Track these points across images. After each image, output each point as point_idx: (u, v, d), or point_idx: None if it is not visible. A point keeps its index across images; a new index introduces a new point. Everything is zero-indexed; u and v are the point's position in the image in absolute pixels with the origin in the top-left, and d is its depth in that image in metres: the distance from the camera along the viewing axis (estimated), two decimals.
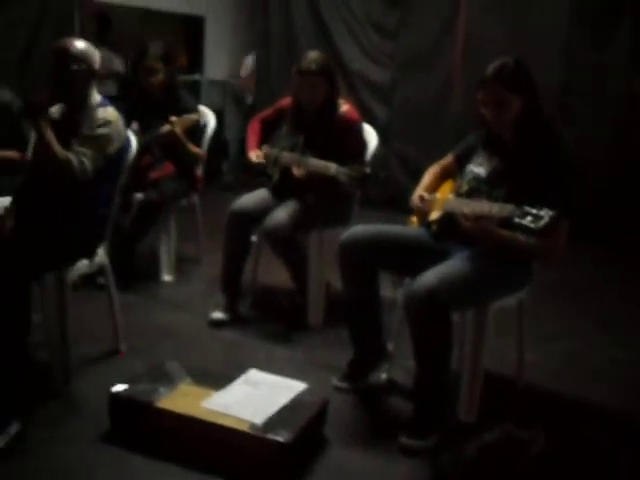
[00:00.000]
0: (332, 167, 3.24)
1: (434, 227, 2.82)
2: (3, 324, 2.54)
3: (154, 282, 4.19)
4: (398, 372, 3.06)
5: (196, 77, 7.22)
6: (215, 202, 5.06)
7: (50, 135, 2.77)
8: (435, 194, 2.87)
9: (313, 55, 3.50)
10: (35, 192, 2.94)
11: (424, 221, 2.87)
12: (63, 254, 2.83)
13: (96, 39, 5.53)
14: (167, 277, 4.23)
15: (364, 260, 2.78)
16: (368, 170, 3.25)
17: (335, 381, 2.97)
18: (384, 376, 3.05)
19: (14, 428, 2.48)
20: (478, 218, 2.47)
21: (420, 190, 2.90)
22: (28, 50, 5.72)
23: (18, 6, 5.60)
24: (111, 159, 2.94)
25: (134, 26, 6.61)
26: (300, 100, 3.56)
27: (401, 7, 6.49)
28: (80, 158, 2.79)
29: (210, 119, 4.41)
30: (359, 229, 2.82)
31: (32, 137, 3.86)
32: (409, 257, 2.80)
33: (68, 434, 2.55)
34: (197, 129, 4.14)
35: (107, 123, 2.90)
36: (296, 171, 3.40)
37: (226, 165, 7.49)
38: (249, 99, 7.41)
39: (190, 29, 7.35)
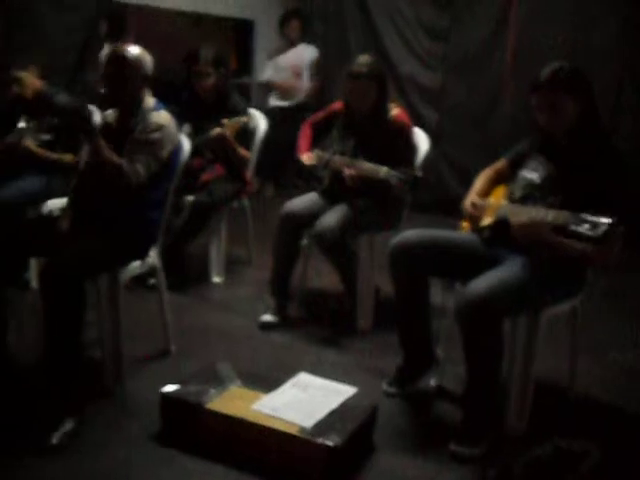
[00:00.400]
0: (382, 170, 3.24)
1: (486, 233, 2.79)
2: (58, 322, 2.60)
3: (204, 284, 4.23)
4: (447, 378, 3.03)
5: (245, 80, 7.25)
6: (263, 205, 5.09)
7: (103, 145, 2.80)
8: (487, 199, 2.84)
9: (364, 59, 3.50)
10: (89, 195, 2.99)
11: (476, 226, 2.84)
12: (116, 255, 2.88)
13: (109, 40, 5.51)
14: (217, 279, 4.27)
15: (415, 265, 2.77)
16: (419, 173, 3.24)
17: (384, 386, 2.97)
18: (433, 382, 3.03)
19: (68, 425, 2.53)
20: (533, 225, 2.44)
21: (472, 195, 2.87)
22: (82, 55, 5.82)
23: (74, 11, 5.69)
24: (164, 163, 2.97)
25: (185, 30, 6.67)
26: (351, 104, 3.57)
27: (451, 9, 6.43)
28: (133, 165, 2.83)
29: (260, 122, 4.43)
30: (410, 233, 2.80)
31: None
32: (460, 263, 2.78)
33: (120, 433, 2.59)
34: (246, 132, 4.17)
35: (160, 127, 2.94)
36: (347, 171, 3.39)
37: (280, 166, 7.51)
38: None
39: (240, 33, 7.39)
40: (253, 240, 4.63)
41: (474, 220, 2.82)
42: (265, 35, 7.43)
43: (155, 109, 3.01)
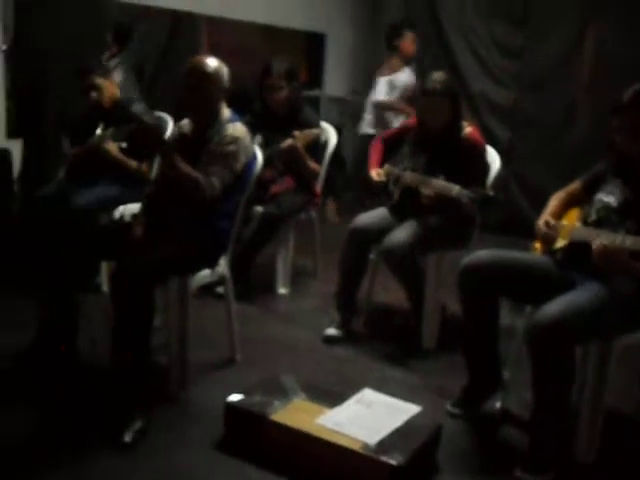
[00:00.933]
0: (455, 188, 3.21)
1: (559, 255, 2.73)
2: (128, 326, 2.66)
3: (270, 294, 4.26)
4: (513, 402, 2.97)
5: (315, 93, 7.30)
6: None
7: (178, 160, 2.84)
8: (561, 221, 2.79)
9: (437, 76, 3.49)
10: (163, 203, 3.04)
11: (549, 248, 2.78)
12: (187, 262, 2.93)
13: (114, 46, 5.41)
14: (283, 290, 4.30)
15: (486, 285, 2.72)
16: (490, 192, 3.20)
17: (448, 406, 2.93)
18: (498, 405, 2.96)
19: (138, 424, 2.58)
20: (611, 250, 2.38)
21: (546, 216, 2.82)
22: (158, 66, 5.95)
23: (150, 22, 5.83)
24: (238, 174, 3.00)
25: (256, 42, 6.75)
26: (424, 121, 3.56)
27: (526, 27, 6.36)
28: (209, 178, 2.86)
29: (331, 136, 4.44)
30: (482, 254, 2.76)
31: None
32: (532, 285, 2.73)
33: (184, 439, 2.62)
34: (317, 145, 4.19)
35: (235, 140, 2.97)
36: (426, 191, 3.37)
37: (342, 182, 7.53)
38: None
39: (311, 45, 7.44)
40: (319, 252, 4.63)
41: (548, 241, 2.76)
42: (336, 48, 7.48)
43: (231, 121, 3.04)
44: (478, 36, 6.68)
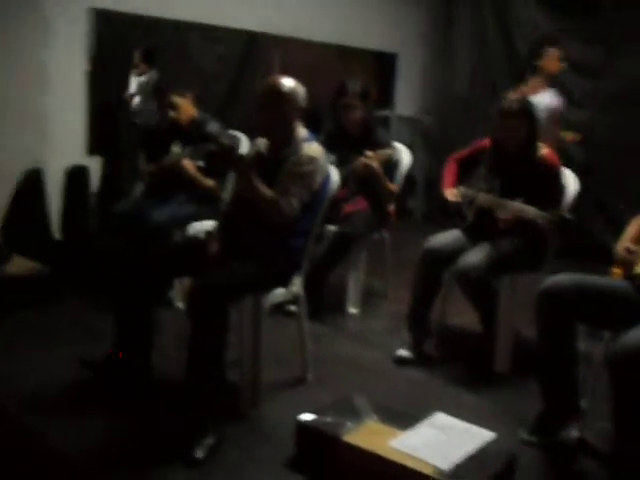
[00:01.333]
0: (531, 210, 3.16)
1: (639, 281, 2.65)
2: (203, 342, 2.68)
3: (340, 314, 4.25)
4: (592, 432, 2.88)
5: (386, 113, 7.30)
6: (401, 239, 5.06)
7: (256, 182, 2.86)
8: None
9: (514, 96, 3.45)
10: (239, 221, 3.07)
11: (629, 273, 2.71)
12: (262, 281, 2.94)
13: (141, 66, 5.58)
14: (353, 310, 4.29)
15: (565, 310, 2.66)
16: (568, 215, 3.14)
17: (523, 434, 2.85)
18: (575, 434, 2.87)
19: (209, 440, 2.60)
20: None
21: (625, 241, 2.75)
22: (234, 85, 6.05)
23: (222, 43, 5.94)
24: (314, 194, 3.02)
25: (328, 62, 6.80)
26: (500, 142, 3.51)
27: (603, 46, 6.23)
28: (288, 199, 2.88)
29: (404, 156, 4.43)
30: (562, 278, 2.70)
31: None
32: (612, 311, 2.66)
33: (254, 457, 2.63)
34: (390, 165, 4.18)
35: (312, 160, 2.98)
36: (502, 215, 3.32)
37: (413, 203, 7.51)
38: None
39: (382, 65, 7.46)
40: (390, 273, 4.61)
41: (628, 266, 2.69)
42: (407, 67, 7.48)
43: (307, 140, 3.06)
44: None
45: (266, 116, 2.99)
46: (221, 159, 3.00)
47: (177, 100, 4.28)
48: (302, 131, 3.09)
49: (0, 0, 4.61)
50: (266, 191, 2.86)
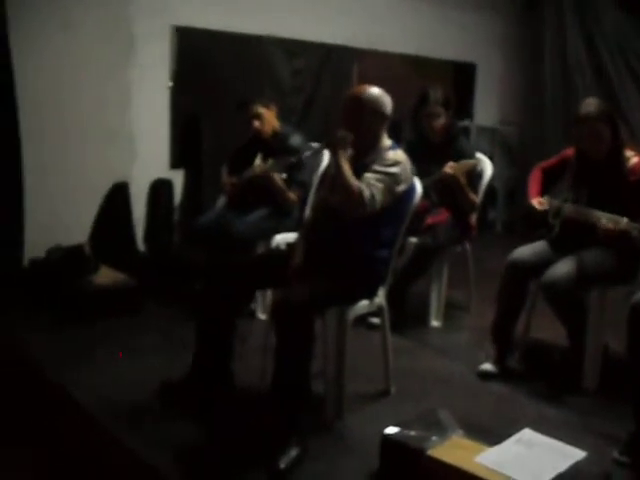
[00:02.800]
0: (623, 221, 3.05)
1: None
2: (289, 354, 2.70)
3: (422, 327, 4.21)
4: None
5: (465, 123, 7.23)
6: (482, 251, 4.99)
7: (346, 166, 2.87)
8: None
9: (591, 101, 3.38)
10: (322, 232, 3.08)
11: None
12: (347, 293, 2.94)
13: None
14: (436, 323, 4.25)
15: None
16: None
17: (615, 453, 2.75)
18: None
19: (293, 453, 2.60)
20: None
21: None
22: (311, 98, 6.10)
23: (300, 57, 6.00)
24: (398, 200, 3.00)
25: (406, 73, 6.77)
26: (582, 149, 3.42)
27: None
28: (372, 190, 2.85)
29: (487, 166, 4.36)
30: None
31: (314, 180, 4.14)
32: None
33: (339, 469, 2.62)
34: (474, 176, 4.12)
35: (397, 163, 2.98)
36: (603, 224, 3.16)
37: (494, 214, 7.41)
38: None
39: (460, 75, 7.39)
40: (473, 285, 4.55)
41: None
42: (486, 77, 7.40)
43: (392, 148, 3.06)
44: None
45: (348, 123, 2.97)
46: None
47: (262, 111, 4.33)
48: (387, 140, 3.09)
49: (85, 19, 4.77)
50: (352, 178, 2.85)
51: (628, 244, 3.10)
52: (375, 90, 3.04)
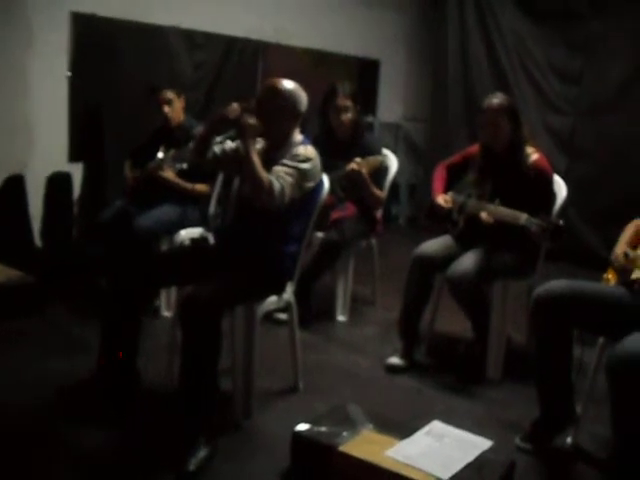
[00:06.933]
0: (523, 217, 3.14)
1: (637, 286, 2.64)
2: (196, 353, 2.63)
3: (329, 321, 4.21)
4: (586, 438, 2.87)
5: (369, 119, 7.29)
6: (386, 245, 5.04)
7: (256, 156, 2.82)
8: (638, 251, 2.71)
9: (497, 94, 3.50)
10: (235, 229, 3.03)
11: (625, 279, 2.70)
12: (256, 289, 2.90)
13: None
14: (342, 317, 4.25)
15: (560, 316, 2.64)
16: (561, 222, 3.12)
17: (518, 441, 2.83)
18: (569, 440, 2.87)
19: (202, 453, 2.54)
20: None
21: (622, 245, 2.75)
22: (213, 89, 6.01)
23: (202, 50, 5.92)
24: (306, 195, 2.98)
25: (310, 68, 6.76)
26: (484, 140, 3.51)
27: (585, 51, 6.26)
28: (281, 183, 2.81)
29: (392, 163, 4.40)
30: (557, 284, 2.69)
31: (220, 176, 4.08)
32: (608, 316, 2.65)
33: (249, 469, 2.58)
34: (380, 172, 4.15)
35: (308, 159, 2.95)
36: (484, 216, 3.31)
37: (397, 209, 7.51)
38: None
39: (364, 71, 7.45)
40: (379, 280, 4.58)
41: (625, 273, 2.68)
42: (389, 74, 7.49)
43: (303, 144, 3.03)
44: (535, 61, 6.61)
45: (261, 115, 2.91)
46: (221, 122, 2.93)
47: (172, 96, 4.23)
48: (298, 135, 3.06)
49: None
50: (262, 171, 2.79)
51: (526, 238, 3.18)
52: (291, 85, 3.00)
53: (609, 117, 6.08)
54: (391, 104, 7.58)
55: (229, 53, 6.12)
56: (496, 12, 6.83)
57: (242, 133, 2.85)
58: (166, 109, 4.22)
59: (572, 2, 6.29)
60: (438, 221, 3.66)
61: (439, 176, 3.73)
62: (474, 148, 3.68)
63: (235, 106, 2.89)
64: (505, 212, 3.25)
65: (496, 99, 3.43)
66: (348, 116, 4.16)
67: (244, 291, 2.84)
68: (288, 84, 2.99)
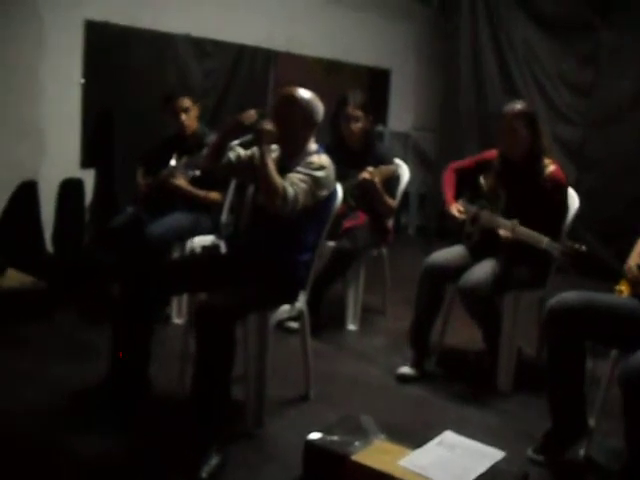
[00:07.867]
0: (544, 240, 3.12)
1: None
2: (210, 361, 2.63)
3: (339, 330, 4.22)
4: (598, 451, 2.86)
5: (379, 128, 7.30)
6: (396, 254, 5.04)
7: (271, 162, 2.82)
8: None
9: (517, 101, 3.49)
10: (249, 237, 3.04)
11: (638, 291, 2.70)
12: (270, 298, 2.91)
13: None
14: (352, 326, 4.26)
15: (574, 327, 2.64)
16: (584, 248, 3.08)
17: (530, 452, 2.82)
18: (582, 452, 2.86)
19: (214, 461, 2.54)
20: None
21: (635, 258, 2.74)
22: (223, 97, 6.03)
23: (217, 56, 5.98)
24: (320, 204, 2.98)
25: (321, 77, 6.78)
26: (502, 147, 3.49)
27: (596, 64, 6.27)
28: (295, 189, 2.81)
29: (404, 172, 4.41)
30: (570, 295, 2.68)
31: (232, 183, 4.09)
32: (621, 328, 2.64)
33: (262, 478, 2.59)
34: (393, 181, 4.15)
35: (322, 168, 2.95)
36: (503, 234, 3.30)
37: (406, 218, 7.51)
38: None
39: (375, 81, 7.46)
40: (388, 289, 4.58)
41: (638, 284, 2.68)
42: (400, 83, 7.50)
43: (317, 152, 3.04)
44: (546, 72, 6.62)
45: (277, 122, 2.91)
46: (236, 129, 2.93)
47: (189, 104, 4.24)
48: (313, 144, 3.07)
49: None
50: (277, 177, 2.79)
51: (540, 253, 3.17)
52: (308, 94, 3.01)
53: (619, 128, 6.08)
54: (401, 113, 7.60)
55: (240, 61, 6.14)
56: (508, 23, 6.85)
57: (259, 138, 2.86)
58: (183, 117, 4.23)
59: (583, 14, 6.31)
60: (450, 231, 3.64)
61: (449, 181, 3.70)
62: (490, 153, 3.64)
63: (252, 112, 2.91)
64: (526, 233, 3.22)
65: (516, 106, 3.42)
66: (358, 125, 4.17)
67: (258, 299, 2.84)
68: (305, 93, 3.00)
